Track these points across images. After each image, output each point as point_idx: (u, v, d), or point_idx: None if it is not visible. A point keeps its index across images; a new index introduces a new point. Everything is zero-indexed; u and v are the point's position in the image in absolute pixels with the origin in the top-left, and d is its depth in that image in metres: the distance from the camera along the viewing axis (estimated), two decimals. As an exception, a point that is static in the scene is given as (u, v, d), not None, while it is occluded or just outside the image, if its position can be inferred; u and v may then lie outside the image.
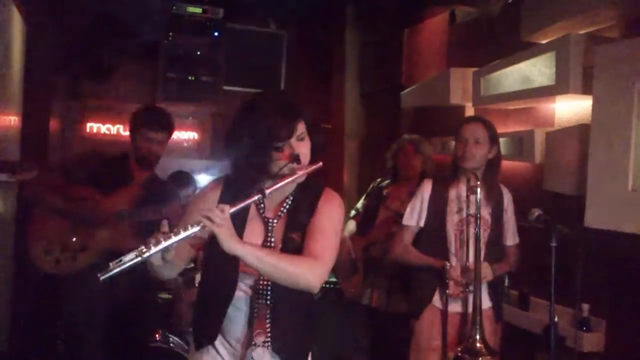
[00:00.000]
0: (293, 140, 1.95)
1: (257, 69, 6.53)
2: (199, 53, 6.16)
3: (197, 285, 3.96)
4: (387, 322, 3.79)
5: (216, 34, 6.19)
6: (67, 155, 4.68)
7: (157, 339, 3.67)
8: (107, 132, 6.25)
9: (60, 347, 3.85)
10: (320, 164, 2.00)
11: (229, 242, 1.79)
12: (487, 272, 2.98)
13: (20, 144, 4.33)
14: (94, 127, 6.19)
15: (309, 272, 1.90)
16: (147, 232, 1.84)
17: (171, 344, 3.66)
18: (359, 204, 4.15)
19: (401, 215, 3.71)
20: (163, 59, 6.07)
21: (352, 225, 4.10)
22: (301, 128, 1.98)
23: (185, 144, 6.62)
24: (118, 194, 3.33)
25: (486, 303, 3.05)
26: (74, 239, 3.28)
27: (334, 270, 4.10)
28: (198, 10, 6.10)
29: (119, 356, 3.36)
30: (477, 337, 2.83)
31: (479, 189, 2.94)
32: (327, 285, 4.60)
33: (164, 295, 4.12)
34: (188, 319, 3.88)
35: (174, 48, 6.08)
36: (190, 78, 6.15)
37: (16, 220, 4.12)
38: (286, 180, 1.92)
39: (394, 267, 3.72)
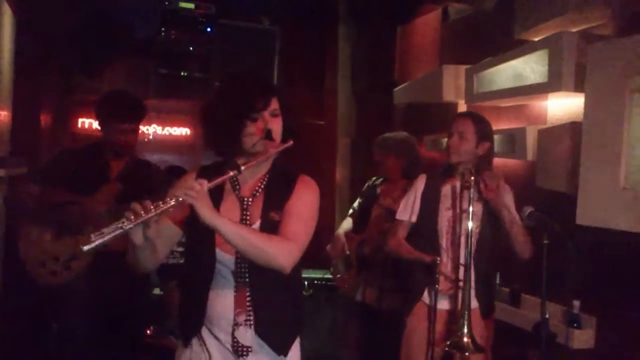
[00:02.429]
0: (267, 115, 2.01)
1: (250, 65, 6.50)
2: (191, 49, 6.15)
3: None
4: (379, 318, 3.79)
5: (209, 29, 6.17)
6: (40, 160, 4.66)
7: (149, 334, 3.67)
8: (99, 128, 6.20)
9: (52, 343, 3.84)
10: (291, 142, 2.04)
11: (208, 214, 1.84)
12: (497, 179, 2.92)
13: (11, 139, 4.30)
14: (85, 122, 6.15)
15: (281, 252, 1.95)
16: None
17: (162, 340, 3.65)
18: (356, 203, 4.17)
19: (393, 212, 3.71)
20: (155, 55, 6.05)
21: (347, 223, 4.12)
22: (275, 104, 2.04)
23: (177, 140, 6.60)
24: (99, 194, 3.27)
25: (473, 303, 3.05)
26: (64, 248, 3.25)
27: (329, 267, 4.14)
28: (190, 6, 6.08)
29: (111, 352, 3.35)
30: (465, 331, 2.83)
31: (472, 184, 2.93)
32: (320, 282, 4.61)
33: (156, 292, 4.11)
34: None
35: (166, 44, 6.06)
36: (182, 74, 6.13)
37: (6, 215, 4.09)
38: (260, 158, 1.99)
39: (386, 264, 3.73)
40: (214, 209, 1.90)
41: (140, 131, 3.48)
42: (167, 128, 6.56)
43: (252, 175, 2.09)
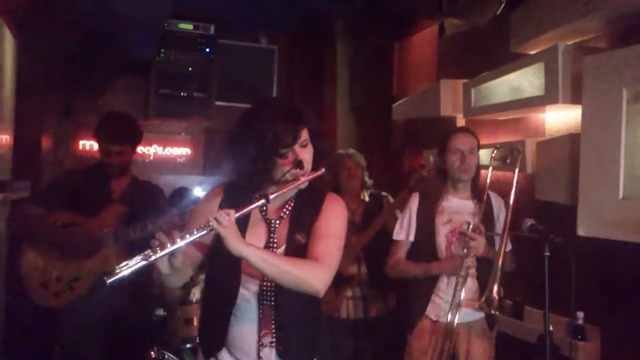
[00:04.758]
0: (297, 147, 1.97)
1: (249, 84, 6.57)
2: (190, 69, 6.20)
3: (192, 300, 3.95)
4: (367, 329, 3.80)
5: (208, 50, 6.23)
6: (42, 183, 4.69)
7: (152, 355, 3.65)
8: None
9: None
10: (323, 170, 2.03)
11: (236, 244, 1.80)
12: (479, 243, 2.95)
13: (12, 162, 4.32)
14: (86, 144, 6.18)
15: (313, 276, 1.93)
16: (137, 249, 1.82)
17: (166, 361, 3.64)
18: None
19: (355, 224, 3.75)
20: (155, 76, 6.10)
21: None
22: (305, 135, 2.00)
23: (178, 160, 6.63)
24: (101, 215, 3.30)
25: (477, 314, 3.05)
26: (66, 269, 3.26)
27: None
28: (189, 26, 6.15)
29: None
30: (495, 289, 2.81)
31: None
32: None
33: (159, 312, 4.10)
34: (183, 335, 3.87)
35: (166, 64, 6.11)
36: (182, 94, 6.18)
37: (9, 237, 4.10)
38: (290, 187, 1.95)
39: (365, 275, 3.79)
40: (242, 238, 1.86)
41: (135, 153, 3.52)
42: (168, 148, 6.59)
43: (281, 199, 2.05)
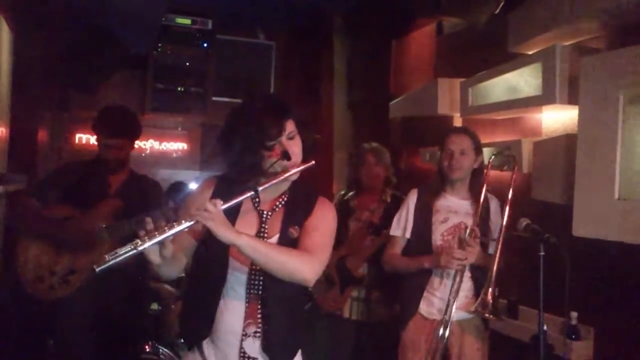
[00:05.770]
0: (283, 139, 2.00)
1: (246, 79, 6.58)
2: (188, 64, 6.20)
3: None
4: (369, 332, 3.78)
5: (205, 45, 6.22)
6: (37, 176, 4.69)
7: (147, 350, 3.66)
8: (96, 143, 6.23)
9: (48, 359, 3.82)
10: (313, 162, 2.05)
11: (225, 232, 1.82)
12: (474, 251, 2.95)
13: (8, 155, 4.31)
14: (82, 138, 6.17)
15: (303, 265, 1.95)
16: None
17: (161, 355, 3.65)
18: None
19: (373, 225, 3.71)
20: (152, 70, 6.09)
21: None
22: (290, 127, 2.03)
23: (174, 155, 6.63)
24: (97, 209, 3.28)
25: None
26: (61, 263, 3.25)
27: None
28: (187, 21, 6.14)
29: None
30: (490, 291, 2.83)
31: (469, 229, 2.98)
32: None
33: (154, 307, 4.10)
34: (178, 330, 3.87)
35: (163, 59, 6.11)
36: (179, 89, 6.18)
37: (4, 230, 4.09)
38: (279, 178, 1.98)
39: (372, 277, 3.74)
40: (231, 226, 1.88)
41: (134, 147, 3.51)
42: (164, 143, 6.59)
43: (274, 192, 2.09)
